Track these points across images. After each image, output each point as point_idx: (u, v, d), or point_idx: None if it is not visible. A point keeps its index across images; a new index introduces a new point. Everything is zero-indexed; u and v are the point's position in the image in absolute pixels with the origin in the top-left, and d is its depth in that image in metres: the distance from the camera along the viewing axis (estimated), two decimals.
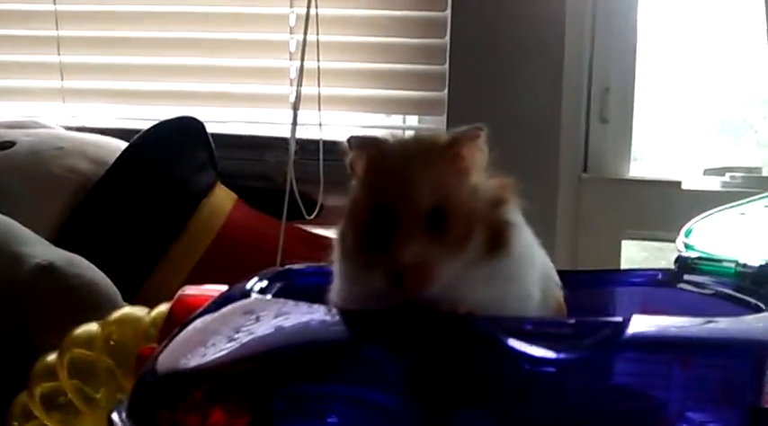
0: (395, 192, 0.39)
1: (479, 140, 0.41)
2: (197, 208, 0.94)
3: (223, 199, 0.99)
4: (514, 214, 0.43)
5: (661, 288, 0.61)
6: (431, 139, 0.42)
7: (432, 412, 0.38)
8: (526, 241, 0.43)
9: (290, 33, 1.10)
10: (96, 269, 0.76)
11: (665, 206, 1.02)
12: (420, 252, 0.38)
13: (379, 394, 0.38)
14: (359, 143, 0.42)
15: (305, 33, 0.92)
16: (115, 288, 0.76)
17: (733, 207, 0.65)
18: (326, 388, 0.39)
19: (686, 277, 0.60)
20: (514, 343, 0.38)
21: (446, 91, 1.06)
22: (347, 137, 0.42)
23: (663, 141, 1.20)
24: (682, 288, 0.59)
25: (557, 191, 1.04)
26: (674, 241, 0.63)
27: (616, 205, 1.06)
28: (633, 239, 1.08)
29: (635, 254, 1.13)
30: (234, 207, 0.98)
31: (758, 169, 1.06)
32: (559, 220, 1.04)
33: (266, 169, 1.05)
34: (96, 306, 0.70)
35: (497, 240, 0.41)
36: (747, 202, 0.65)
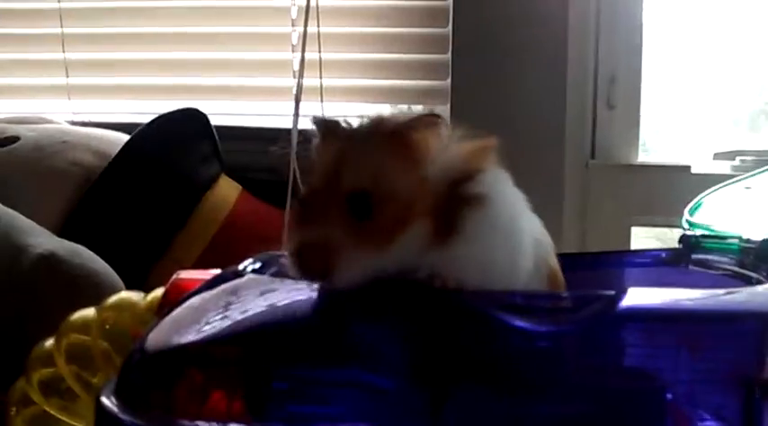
0: (326, 173, 0.38)
1: (436, 128, 0.39)
2: (201, 199, 0.94)
3: (227, 190, 0.99)
4: (485, 183, 0.39)
5: (666, 267, 0.60)
6: (379, 122, 0.40)
7: (428, 391, 0.37)
8: (500, 210, 0.40)
9: (292, 25, 1.09)
10: (99, 259, 0.76)
11: (675, 191, 1.00)
12: (326, 234, 0.36)
13: (375, 374, 0.38)
14: (315, 121, 0.41)
15: (305, 25, 0.92)
16: (118, 279, 0.76)
17: (739, 180, 0.63)
18: (322, 370, 0.38)
19: (691, 256, 0.59)
20: (506, 317, 0.37)
21: (449, 80, 1.05)
22: (312, 116, 0.42)
23: (672, 128, 1.19)
24: (687, 267, 0.58)
25: (563, 179, 1.03)
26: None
27: (624, 191, 1.04)
28: (642, 225, 1.07)
29: (647, 243, 1.12)
30: (238, 198, 0.98)
31: None
32: (567, 207, 1.03)
33: (270, 161, 1.05)
34: (99, 296, 0.69)
35: (451, 224, 0.38)
36: (752, 175, 0.64)
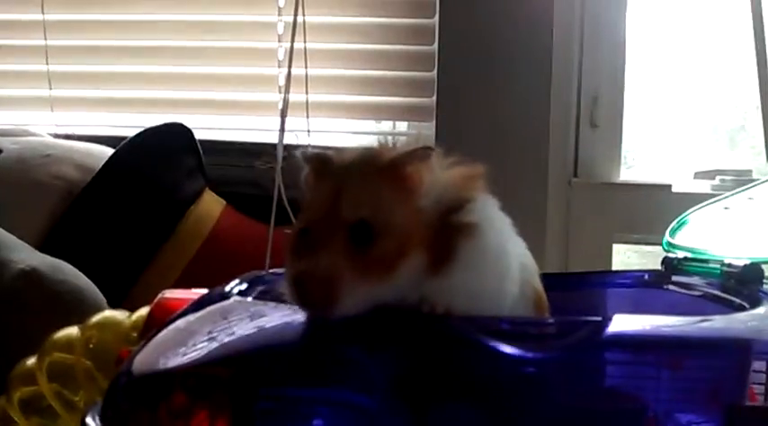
0: (323, 205, 0.38)
1: (429, 160, 0.40)
2: (185, 214, 0.94)
3: (211, 204, 0.98)
4: (475, 211, 0.40)
5: (648, 289, 0.61)
6: (373, 156, 0.40)
7: (413, 414, 0.37)
8: (490, 238, 0.41)
9: (279, 41, 1.10)
10: (82, 275, 0.76)
11: (656, 209, 1.01)
12: (329, 263, 0.36)
13: (361, 395, 0.38)
14: (306, 157, 0.41)
15: (292, 40, 0.92)
16: (101, 295, 0.76)
17: (718, 201, 0.64)
18: (308, 390, 0.38)
19: (673, 278, 0.59)
20: (492, 343, 0.38)
21: (434, 97, 1.06)
22: (300, 152, 0.42)
23: (654, 147, 1.20)
24: (669, 289, 0.59)
25: (546, 196, 1.04)
26: None
27: (606, 209, 1.05)
28: (624, 243, 1.08)
29: (630, 259, 1.13)
30: (222, 213, 0.98)
31: (748, 172, 1.05)
32: (549, 225, 1.04)
33: (255, 175, 1.05)
34: (81, 312, 0.69)
35: (445, 253, 0.39)
36: (731, 195, 0.64)
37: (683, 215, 0.67)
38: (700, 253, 0.58)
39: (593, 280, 0.65)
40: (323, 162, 0.41)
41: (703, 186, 1.05)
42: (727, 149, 1.19)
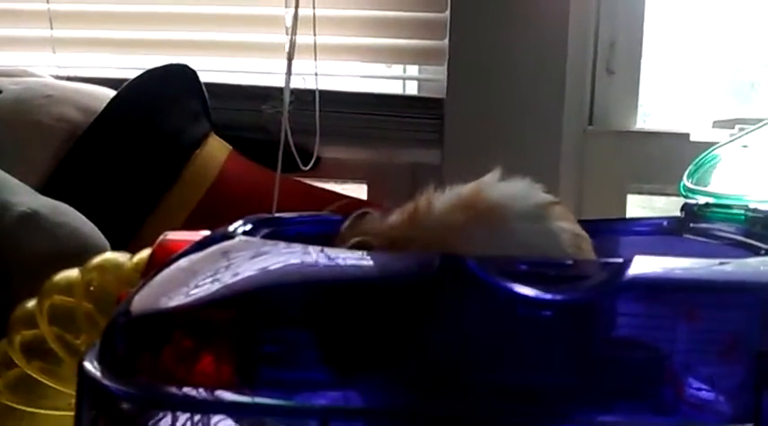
0: None
1: None
2: (190, 158, 0.92)
3: (217, 149, 0.96)
4: None
5: (668, 236, 0.59)
6: None
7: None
8: None
9: None
10: (83, 217, 0.74)
11: (673, 158, 0.98)
12: None
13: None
14: None
15: None
16: (103, 238, 0.74)
17: (736, 139, 0.62)
18: (315, 335, 0.37)
19: (693, 225, 0.57)
20: (508, 285, 0.36)
21: (447, 39, 1.03)
22: None
23: (672, 95, 1.17)
24: (689, 237, 0.57)
25: (560, 145, 1.01)
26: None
27: (622, 158, 1.03)
28: (640, 194, 1.06)
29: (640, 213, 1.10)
30: (228, 158, 0.96)
31: None
32: (563, 175, 1.01)
33: (262, 120, 1.02)
34: (83, 256, 0.67)
35: None
36: (747, 133, 0.62)
37: (700, 156, 0.64)
38: (720, 197, 0.56)
39: (609, 228, 0.63)
40: None
41: (722, 135, 1.02)
42: (747, 98, 1.16)
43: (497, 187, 0.43)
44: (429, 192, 0.43)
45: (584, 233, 0.44)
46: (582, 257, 0.42)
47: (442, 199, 0.43)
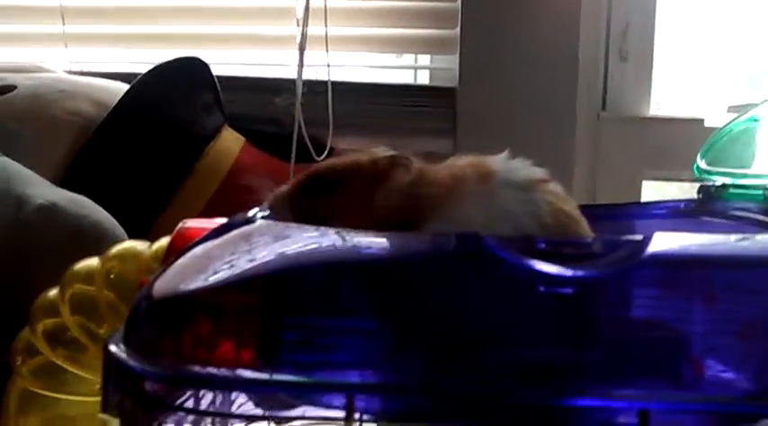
0: None
1: None
2: (204, 150, 0.92)
3: (231, 141, 0.96)
4: None
5: (685, 218, 0.59)
6: None
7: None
8: None
9: None
10: (102, 209, 0.74)
11: (688, 144, 0.98)
12: None
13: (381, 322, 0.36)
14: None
15: None
16: (121, 229, 0.75)
17: (747, 112, 0.61)
18: (336, 319, 0.37)
19: (711, 206, 0.57)
20: (528, 262, 0.36)
21: (458, 28, 1.02)
22: None
23: (686, 81, 1.16)
24: (707, 219, 0.57)
25: (574, 131, 1.01)
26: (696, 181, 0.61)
27: (636, 144, 1.02)
28: (654, 179, 1.05)
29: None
30: (242, 150, 0.96)
31: None
32: (577, 161, 1.01)
33: (275, 112, 1.03)
34: (102, 246, 0.68)
35: None
36: (758, 104, 0.61)
37: (712, 135, 0.64)
38: (737, 176, 0.56)
39: (626, 211, 0.63)
40: None
41: None
42: (761, 83, 1.15)
43: (502, 159, 0.46)
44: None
45: (576, 214, 0.45)
46: (563, 234, 0.43)
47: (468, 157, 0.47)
